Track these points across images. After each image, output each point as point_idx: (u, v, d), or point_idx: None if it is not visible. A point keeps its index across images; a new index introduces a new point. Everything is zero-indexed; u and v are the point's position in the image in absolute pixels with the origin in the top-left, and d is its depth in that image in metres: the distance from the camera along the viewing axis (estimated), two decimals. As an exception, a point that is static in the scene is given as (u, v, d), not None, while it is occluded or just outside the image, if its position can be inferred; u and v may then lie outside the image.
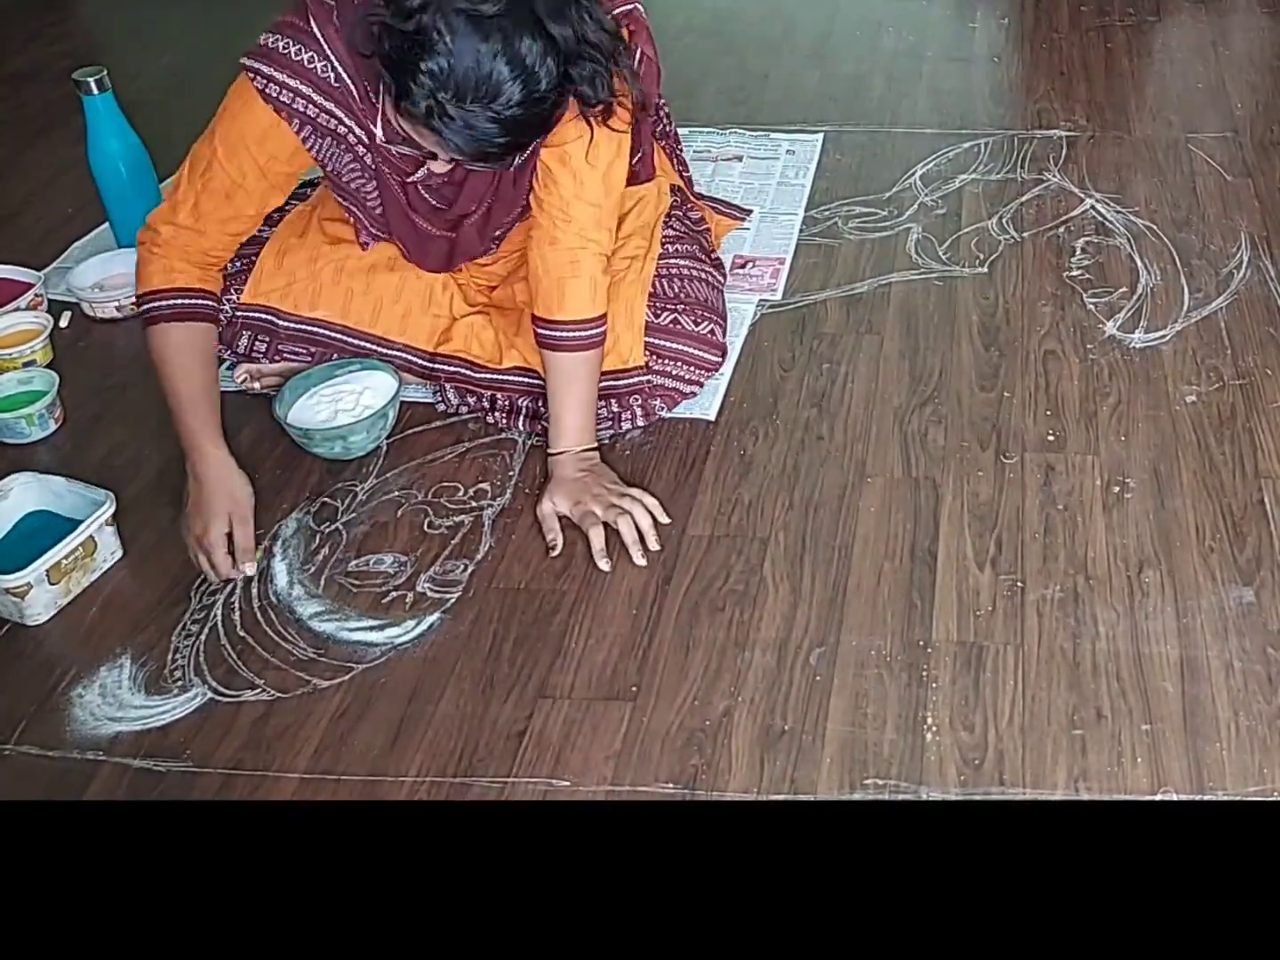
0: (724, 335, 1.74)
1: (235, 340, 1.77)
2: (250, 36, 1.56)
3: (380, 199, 1.66)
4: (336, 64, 1.49)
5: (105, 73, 2.00)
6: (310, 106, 1.51)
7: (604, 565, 1.53)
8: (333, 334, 1.76)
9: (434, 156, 1.44)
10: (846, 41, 2.80)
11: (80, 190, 2.20)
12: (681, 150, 1.99)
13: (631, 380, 1.69)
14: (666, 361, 1.69)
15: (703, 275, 1.77)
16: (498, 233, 1.72)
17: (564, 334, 1.61)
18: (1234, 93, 2.51)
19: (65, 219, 2.26)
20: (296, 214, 1.82)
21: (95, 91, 2.00)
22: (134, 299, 1.58)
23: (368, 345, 1.77)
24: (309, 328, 1.76)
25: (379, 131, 1.46)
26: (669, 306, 1.71)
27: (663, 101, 1.93)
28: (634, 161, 1.73)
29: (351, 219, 1.72)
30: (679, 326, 1.70)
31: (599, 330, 1.63)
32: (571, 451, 1.62)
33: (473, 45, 1.29)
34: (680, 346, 1.69)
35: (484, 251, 1.76)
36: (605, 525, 1.55)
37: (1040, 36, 2.78)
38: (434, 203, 1.66)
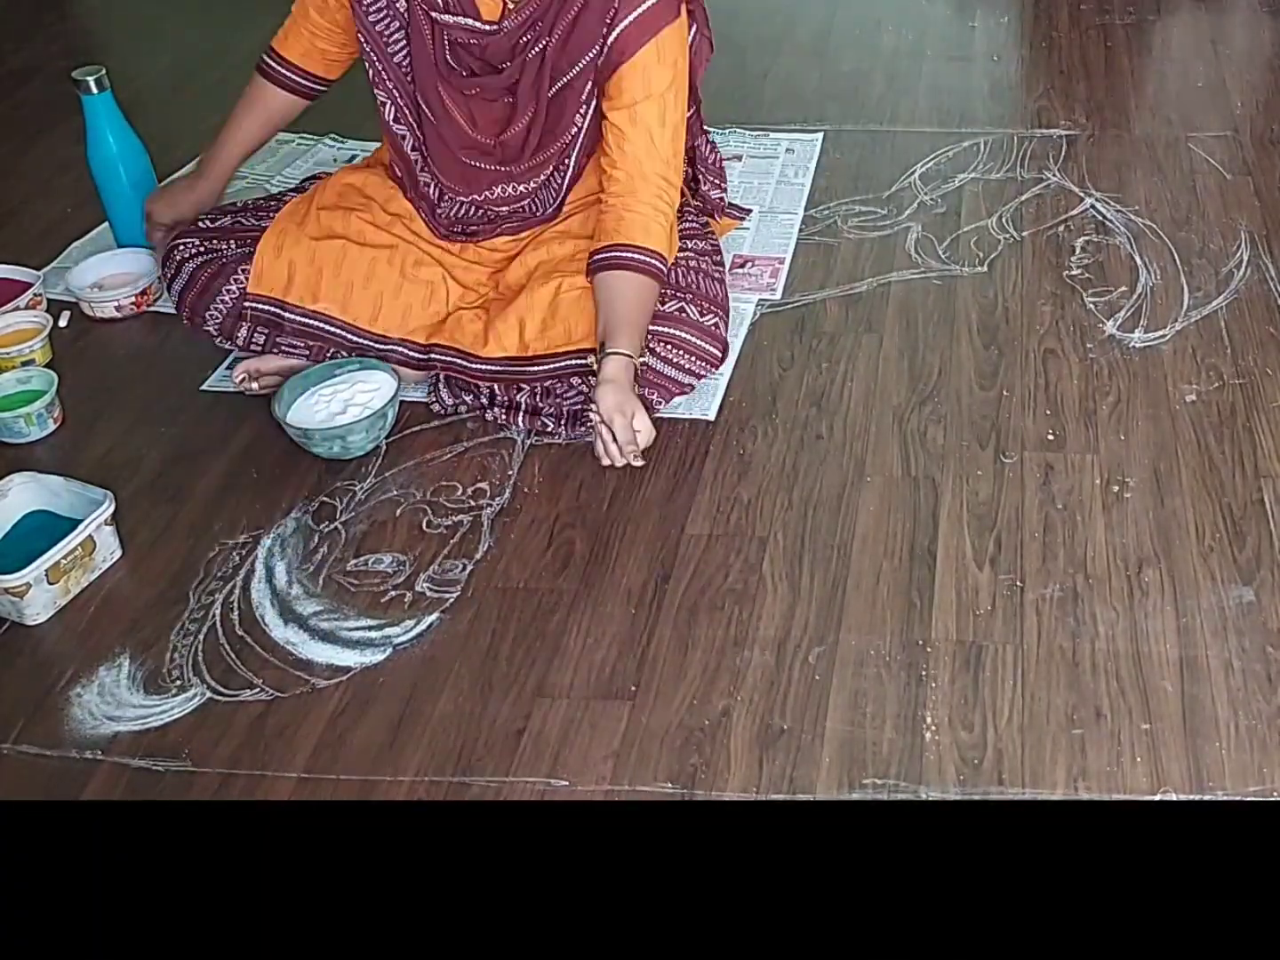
0: (727, 331, 1.74)
1: (234, 331, 1.78)
2: (250, 36, 1.57)
3: (409, 58, 1.71)
4: None
5: (104, 72, 2.00)
6: None
7: (605, 461, 1.60)
8: (332, 328, 1.76)
9: None
10: (846, 40, 2.79)
11: (79, 190, 2.20)
12: (724, 185, 1.99)
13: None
14: (669, 349, 1.69)
15: (712, 271, 1.78)
16: (553, 93, 1.71)
17: (635, 256, 1.65)
18: (1234, 91, 2.51)
19: (64, 218, 2.26)
20: (294, 205, 1.83)
21: (94, 91, 1.99)
22: (261, 55, 1.88)
23: (366, 342, 1.77)
24: (312, 321, 1.76)
25: None
26: (677, 295, 1.72)
27: (708, 130, 1.95)
28: (690, 114, 1.79)
29: (386, 129, 1.79)
30: (684, 315, 1.71)
31: (664, 267, 1.68)
32: (628, 356, 1.60)
33: None
34: (684, 335, 1.70)
35: (527, 172, 1.76)
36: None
37: (1040, 35, 2.78)
38: (464, 67, 1.69)
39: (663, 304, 1.71)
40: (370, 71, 1.75)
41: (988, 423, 1.71)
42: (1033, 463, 1.64)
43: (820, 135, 2.41)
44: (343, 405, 1.71)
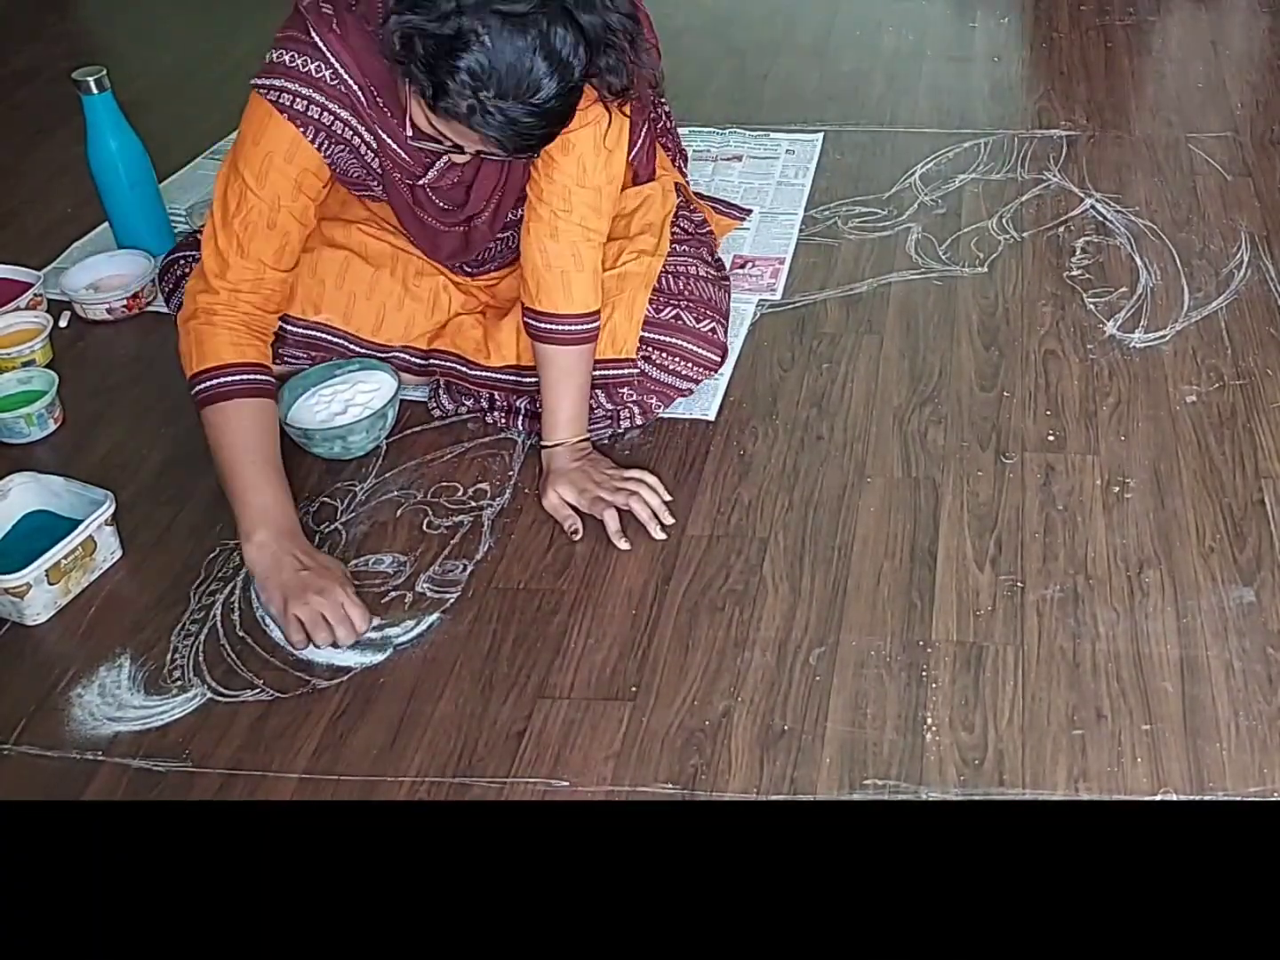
0: (725, 335, 1.74)
1: None
2: (250, 36, 1.57)
3: (389, 200, 1.66)
4: (341, 70, 1.48)
5: (105, 72, 2.00)
6: (324, 114, 1.51)
7: (623, 545, 1.55)
8: (334, 339, 1.75)
9: (459, 150, 1.43)
10: (846, 41, 2.80)
11: (80, 190, 2.20)
12: (682, 151, 1.99)
13: (623, 371, 1.69)
14: (666, 356, 1.69)
15: (708, 275, 1.76)
16: (508, 219, 1.71)
17: (565, 328, 1.61)
18: (1234, 92, 2.51)
19: (65, 219, 2.26)
20: None
21: (95, 91, 1.99)
22: (196, 376, 1.53)
23: (368, 351, 1.76)
24: (313, 333, 1.75)
25: (408, 130, 1.45)
26: (672, 302, 1.71)
27: (665, 102, 1.93)
28: (631, 156, 1.74)
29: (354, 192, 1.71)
30: (680, 322, 1.70)
31: (596, 324, 1.64)
32: (568, 443, 1.63)
33: (511, 42, 1.29)
34: (680, 342, 1.69)
35: (494, 243, 1.74)
36: (616, 508, 1.56)
37: (1040, 36, 2.78)
38: (442, 204, 1.66)
39: (658, 311, 1.70)
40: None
41: (988, 423, 1.71)
42: (1033, 463, 1.64)
43: (820, 136, 2.41)
44: (343, 405, 1.71)
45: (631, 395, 1.70)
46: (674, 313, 1.71)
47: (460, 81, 1.30)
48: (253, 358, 1.54)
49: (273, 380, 1.57)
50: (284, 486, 1.52)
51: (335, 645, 1.43)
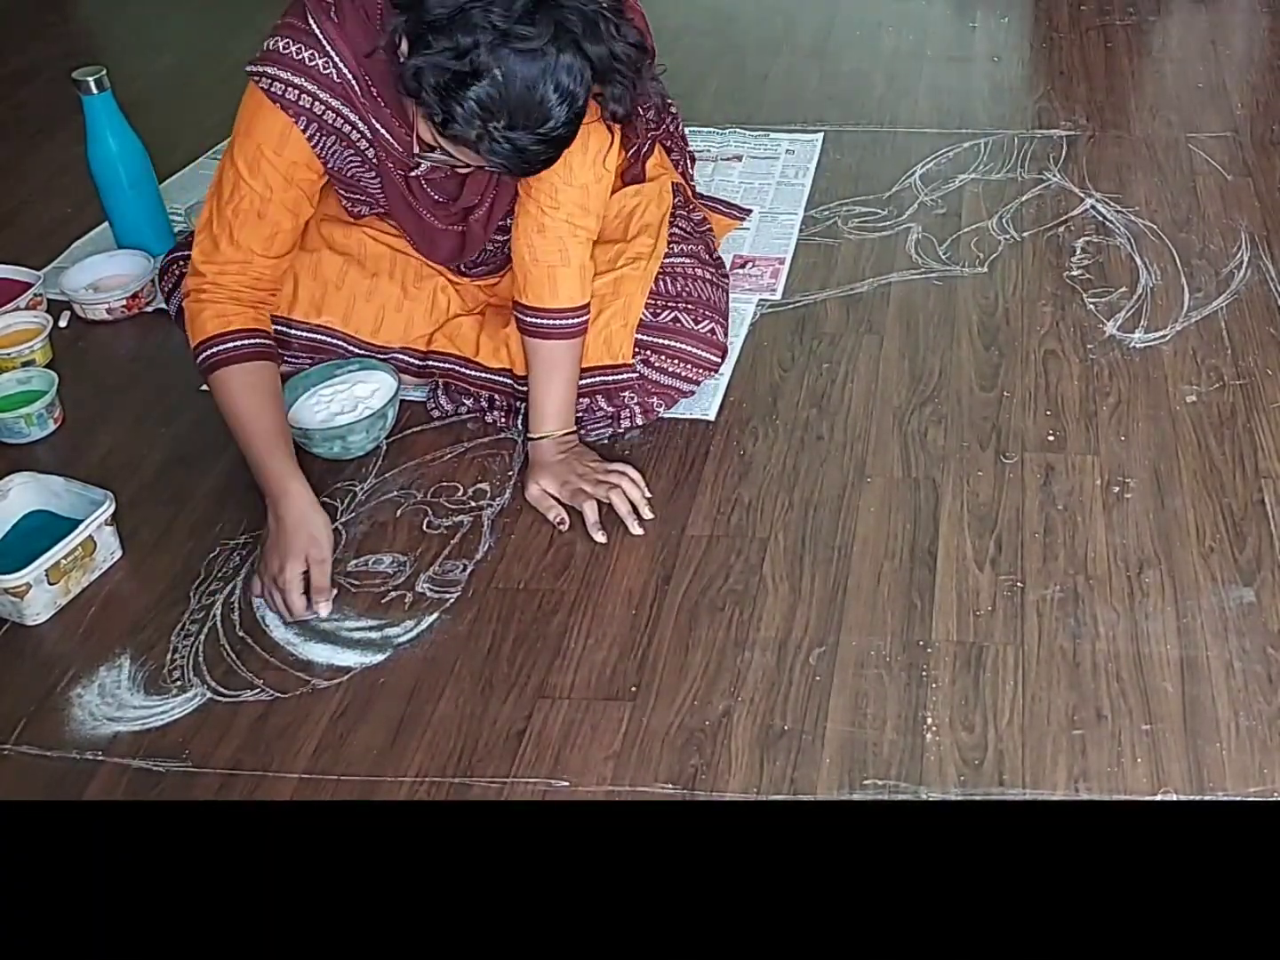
0: (725, 335, 1.73)
1: None
2: (250, 37, 1.56)
3: (384, 193, 1.66)
4: (337, 59, 1.49)
5: (105, 72, 2.00)
6: (316, 104, 1.51)
7: (600, 537, 1.56)
8: (334, 340, 1.75)
9: (463, 164, 1.45)
10: (846, 41, 2.80)
11: (80, 190, 2.20)
12: (691, 155, 1.99)
13: (622, 376, 1.69)
14: (665, 359, 1.69)
15: (706, 276, 1.76)
16: (503, 222, 1.71)
17: (552, 322, 1.62)
18: (1234, 92, 2.51)
19: (65, 219, 2.26)
20: None
21: (95, 91, 1.99)
22: (193, 353, 1.55)
23: (366, 353, 1.76)
24: (315, 335, 1.75)
25: (414, 144, 1.46)
26: (670, 305, 1.71)
27: (671, 102, 1.93)
28: (629, 154, 1.74)
29: (348, 203, 1.71)
30: (679, 325, 1.70)
31: (585, 318, 1.65)
32: (553, 436, 1.64)
33: (522, 74, 1.31)
34: (679, 345, 1.69)
35: (491, 244, 1.74)
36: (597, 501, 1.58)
37: (1040, 36, 2.78)
38: (436, 196, 1.66)
39: (656, 315, 1.69)
40: (341, 192, 1.69)
41: (988, 424, 1.71)
42: (1033, 463, 1.64)
43: (820, 136, 2.41)
44: (342, 405, 1.71)
45: (632, 398, 1.70)
46: (672, 315, 1.70)
47: (469, 110, 1.31)
48: (238, 325, 1.55)
49: (262, 342, 1.56)
50: (275, 451, 1.52)
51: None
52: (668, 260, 1.74)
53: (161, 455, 1.73)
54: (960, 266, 2.03)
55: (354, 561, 1.56)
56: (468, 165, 1.45)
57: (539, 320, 1.63)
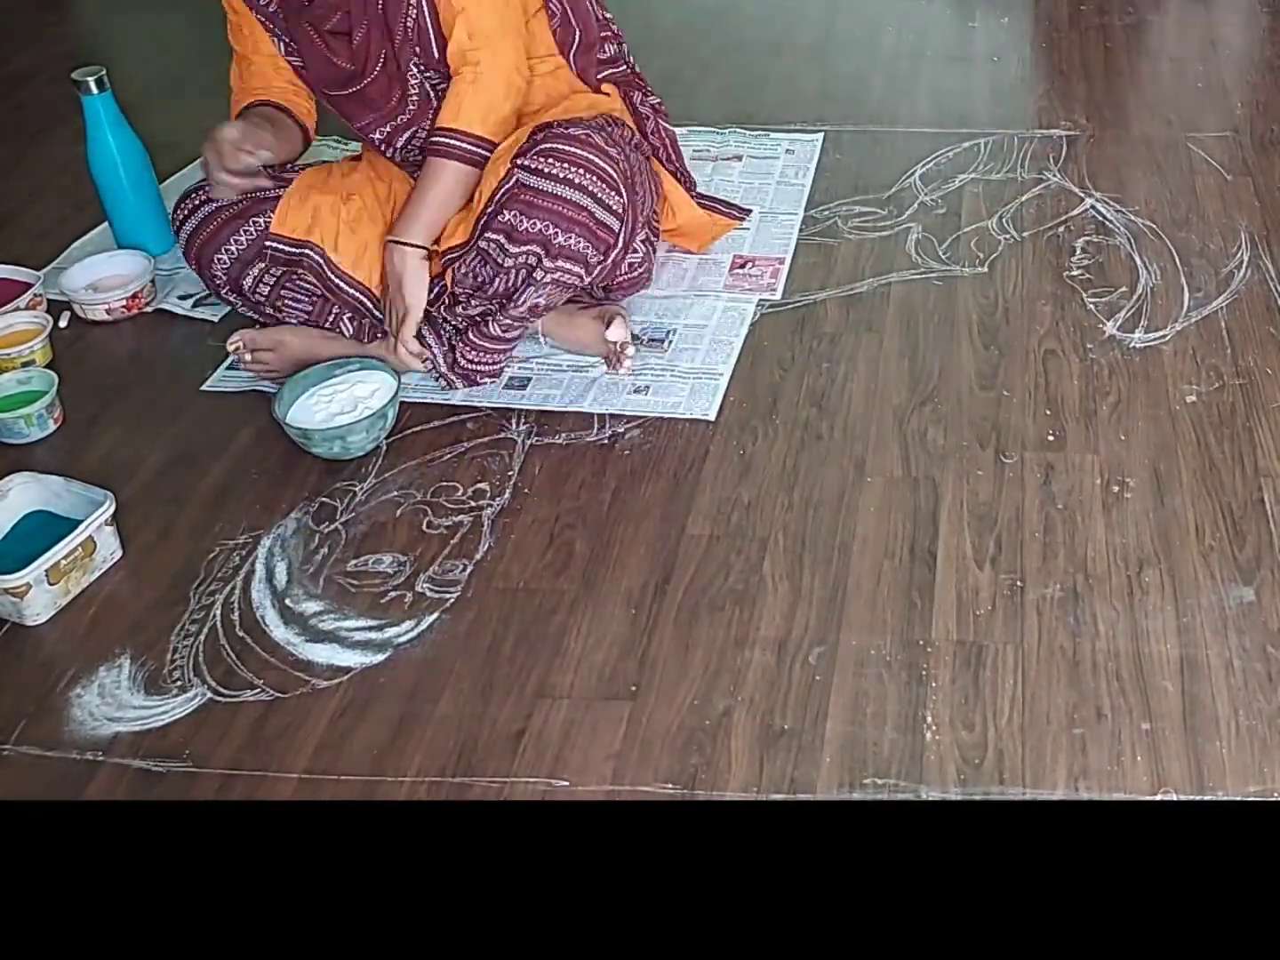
0: (611, 165, 1.71)
1: (241, 276, 1.79)
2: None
3: (289, 32, 1.79)
4: None
5: (104, 72, 2.00)
6: None
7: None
8: (317, 260, 1.78)
9: None
10: (846, 41, 2.80)
11: (80, 190, 2.20)
12: (676, 148, 1.99)
13: (481, 151, 1.74)
14: (544, 161, 1.68)
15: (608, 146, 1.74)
16: (404, 88, 1.79)
17: (443, 140, 1.72)
18: (1234, 92, 2.51)
19: (64, 219, 2.26)
20: (314, 169, 1.87)
21: (94, 91, 2.00)
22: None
23: (341, 281, 1.80)
24: (299, 250, 1.78)
25: None
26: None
27: (652, 92, 1.95)
28: (553, 22, 1.82)
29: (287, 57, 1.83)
30: (563, 143, 1.70)
31: (479, 150, 1.73)
32: (414, 246, 1.72)
33: None
34: (561, 147, 1.68)
35: (386, 99, 1.81)
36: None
37: (1040, 36, 2.78)
38: (319, 11, 1.75)
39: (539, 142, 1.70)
40: (266, 31, 1.82)
41: (988, 423, 1.71)
42: (1033, 463, 1.64)
43: (820, 136, 2.41)
44: (342, 405, 1.71)
45: (522, 221, 1.67)
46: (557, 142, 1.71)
47: None
48: (261, 98, 1.82)
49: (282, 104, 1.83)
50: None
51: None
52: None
53: (161, 455, 1.73)
54: (960, 266, 2.03)
55: (354, 561, 1.56)
56: None
57: (436, 137, 1.73)
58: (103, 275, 2.05)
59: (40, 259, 2.14)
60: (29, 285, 2.02)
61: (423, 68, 1.77)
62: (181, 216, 1.83)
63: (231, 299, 1.85)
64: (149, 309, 2.02)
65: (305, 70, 1.83)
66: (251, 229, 1.78)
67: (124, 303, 2.01)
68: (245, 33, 1.82)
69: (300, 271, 1.78)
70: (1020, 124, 2.42)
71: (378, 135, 1.84)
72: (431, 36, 1.74)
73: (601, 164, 1.69)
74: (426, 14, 1.72)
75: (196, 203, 1.81)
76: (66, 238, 2.21)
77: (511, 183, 1.67)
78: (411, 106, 1.80)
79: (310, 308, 1.80)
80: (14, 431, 1.76)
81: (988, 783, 1.28)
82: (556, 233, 1.67)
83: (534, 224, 1.67)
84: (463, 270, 1.73)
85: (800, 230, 2.13)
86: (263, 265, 1.78)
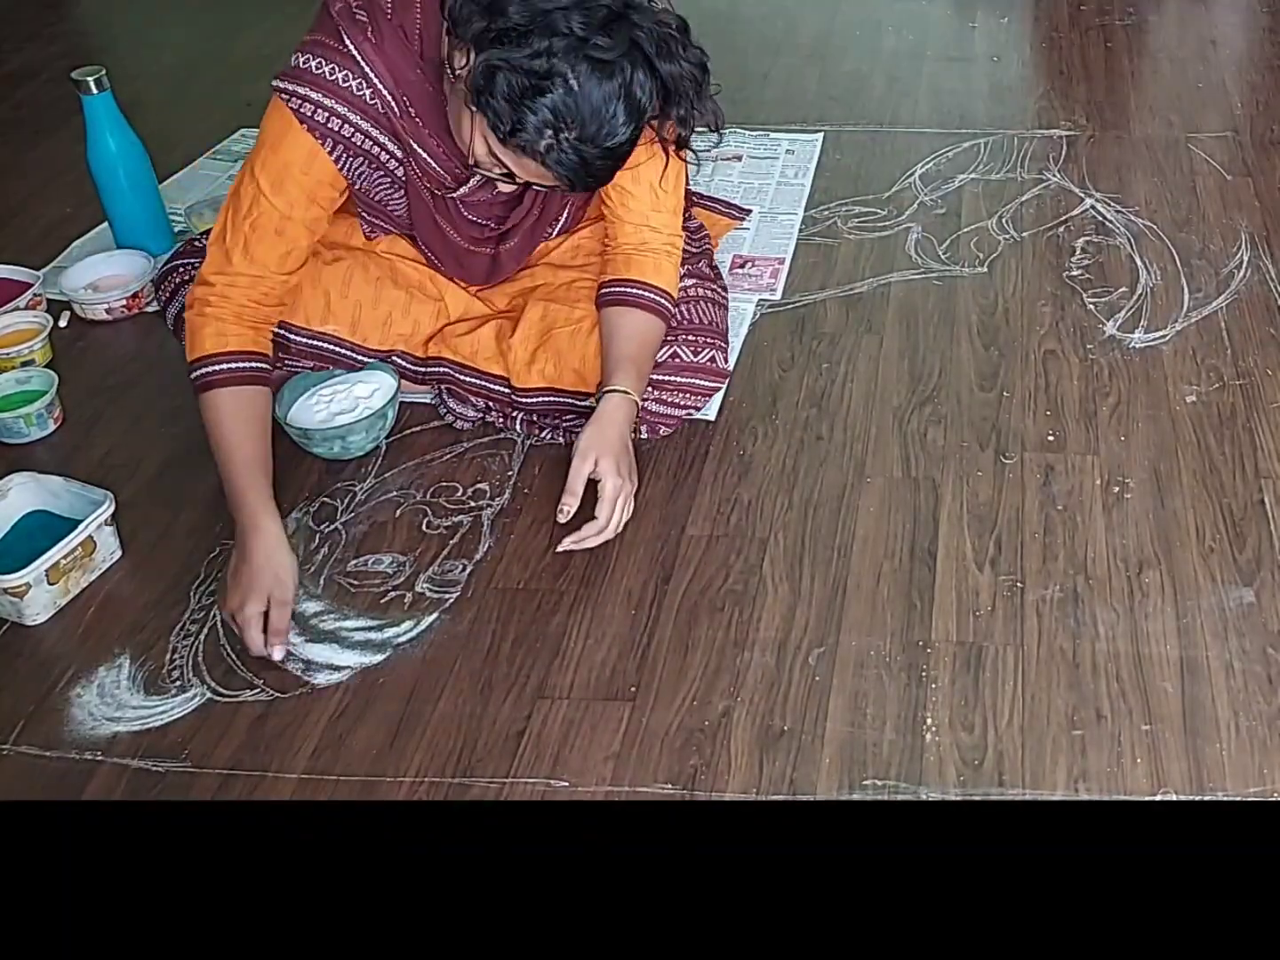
0: (726, 359, 1.72)
1: None
2: (250, 36, 1.55)
3: (409, 215, 1.65)
4: (376, 80, 1.47)
5: (104, 72, 2.00)
6: (345, 126, 1.50)
7: (562, 518, 1.53)
8: (341, 349, 1.73)
9: (509, 179, 1.44)
10: (846, 41, 2.80)
11: (79, 190, 2.20)
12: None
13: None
14: (667, 393, 1.67)
15: (706, 295, 1.74)
16: (537, 247, 1.73)
17: (642, 293, 1.64)
18: (1234, 92, 2.51)
19: (64, 219, 2.26)
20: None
21: (94, 91, 1.99)
22: (187, 368, 1.54)
23: (369, 359, 1.74)
24: (318, 343, 1.72)
25: (471, 159, 1.43)
26: (668, 337, 1.68)
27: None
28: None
29: (366, 226, 1.70)
30: (679, 360, 1.67)
31: (670, 305, 1.66)
32: (628, 395, 1.58)
33: (598, 87, 1.32)
34: (681, 380, 1.68)
35: (520, 266, 1.75)
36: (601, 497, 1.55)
37: (1040, 36, 2.78)
38: (471, 217, 1.66)
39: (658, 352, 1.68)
40: (360, 210, 1.67)
41: (988, 424, 1.71)
42: (1033, 463, 1.64)
43: (820, 136, 2.41)
44: (342, 405, 1.71)
45: (640, 425, 1.67)
46: (671, 350, 1.67)
47: (541, 120, 1.31)
48: (234, 346, 1.53)
49: (257, 366, 1.55)
50: (253, 483, 1.49)
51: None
52: None
53: (161, 455, 1.73)
54: (960, 266, 2.03)
55: (354, 561, 1.56)
56: (513, 182, 1.44)
57: (628, 290, 1.64)
58: (103, 275, 2.05)
59: (40, 259, 2.14)
60: (29, 285, 2.02)
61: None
62: (165, 298, 1.77)
63: None
64: (149, 309, 2.02)
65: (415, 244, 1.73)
66: None
67: (124, 303, 2.01)
68: (312, 223, 1.56)
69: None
70: (1020, 124, 2.42)
71: (464, 276, 1.76)
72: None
73: (717, 377, 1.72)
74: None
75: (178, 282, 1.74)
76: (66, 238, 2.21)
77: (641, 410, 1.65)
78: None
79: (310, 369, 1.73)
80: (13, 431, 1.76)
81: (987, 784, 1.28)
82: (668, 429, 1.70)
83: (652, 424, 1.69)
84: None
85: (800, 230, 2.14)
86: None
